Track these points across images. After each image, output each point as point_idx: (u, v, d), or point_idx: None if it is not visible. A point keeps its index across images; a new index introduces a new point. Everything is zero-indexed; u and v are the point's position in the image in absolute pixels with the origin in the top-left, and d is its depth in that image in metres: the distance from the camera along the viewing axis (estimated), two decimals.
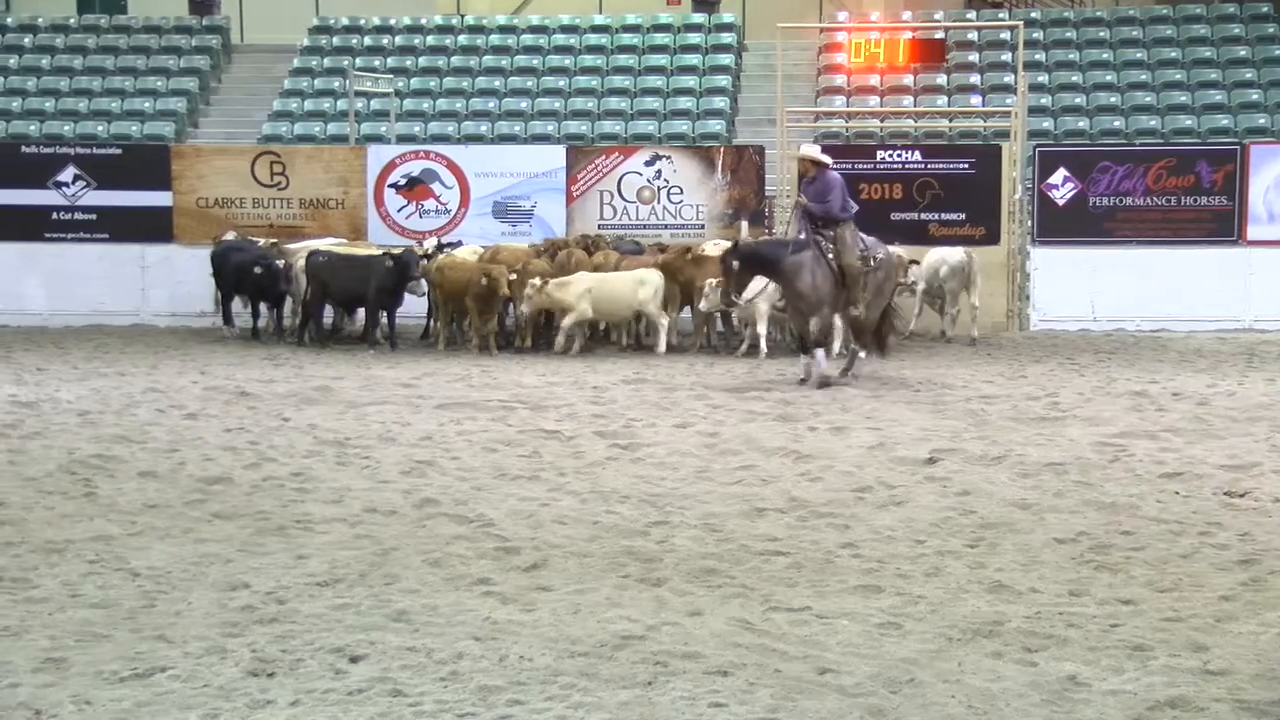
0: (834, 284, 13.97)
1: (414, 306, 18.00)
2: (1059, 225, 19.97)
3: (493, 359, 16.27)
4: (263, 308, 18.48)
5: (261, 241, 18.97)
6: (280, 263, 17.58)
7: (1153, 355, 16.95)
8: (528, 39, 26.85)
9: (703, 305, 16.51)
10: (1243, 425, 11.60)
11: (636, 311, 16.71)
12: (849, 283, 14.00)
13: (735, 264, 14.17)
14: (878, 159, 19.94)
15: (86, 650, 5.97)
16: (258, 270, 17.64)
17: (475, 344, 16.98)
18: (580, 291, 16.31)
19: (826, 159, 14.57)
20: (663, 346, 16.45)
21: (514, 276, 16.40)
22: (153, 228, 20.68)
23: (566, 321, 16.51)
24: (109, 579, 7.08)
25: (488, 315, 16.98)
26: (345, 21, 27.52)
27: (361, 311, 18.03)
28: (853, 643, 6.11)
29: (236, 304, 18.76)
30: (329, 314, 18.56)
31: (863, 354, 14.52)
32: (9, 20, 28.26)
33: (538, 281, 16.35)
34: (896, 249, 16.23)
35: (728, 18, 27.42)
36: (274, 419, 11.95)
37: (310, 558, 7.48)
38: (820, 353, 14.08)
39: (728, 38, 26.71)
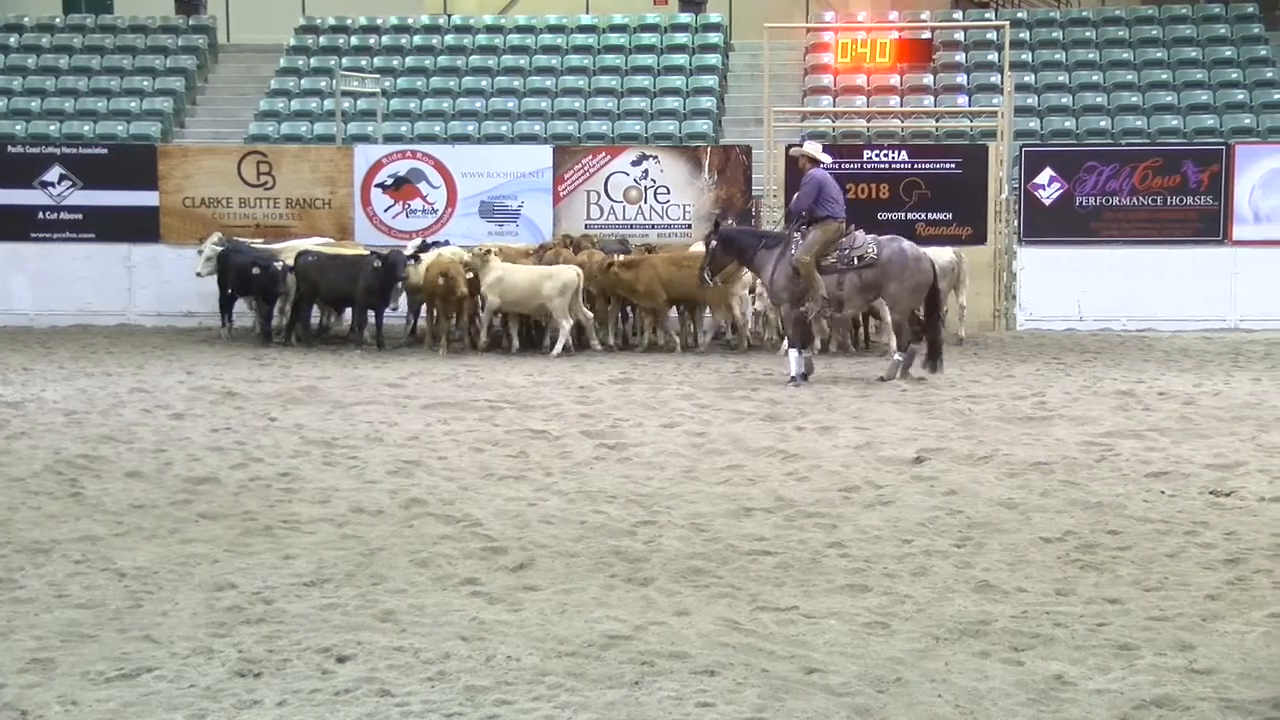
0: (791, 279, 14.24)
1: (402, 306, 17.98)
2: (1045, 225, 19.99)
3: (478, 358, 16.27)
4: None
5: (247, 242, 18.91)
6: (279, 264, 17.53)
7: (1139, 355, 16.99)
8: (514, 39, 26.84)
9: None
10: (1228, 424, 11.63)
11: (544, 306, 16.52)
12: (802, 279, 14.13)
13: (714, 244, 14.82)
14: (864, 159, 19.92)
15: (73, 651, 5.96)
16: (255, 271, 17.60)
17: (427, 344, 17.07)
18: (491, 281, 16.36)
19: (824, 158, 14.81)
20: (558, 350, 16.36)
21: (471, 275, 16.47)
22: (139, 228, 20.60)
23: (484, 314, 16.76)
24: (95, 579, 7.07)
25: (459, 315, 17.00)
26: (332, 21, 27.49)
27: (349, 311, 18.01)
28: (839, 642, 6.12)
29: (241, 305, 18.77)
30: (315, 313, 18.53)
31: (898, 355, 14.46)
32: None
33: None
34: None
35: (714, 18, 27.43)
36: (261, 419, 11.93)
37: (297, 558, 7.48)
38: (794, 353, 14.17)
39: (714, 38, 26.73)
